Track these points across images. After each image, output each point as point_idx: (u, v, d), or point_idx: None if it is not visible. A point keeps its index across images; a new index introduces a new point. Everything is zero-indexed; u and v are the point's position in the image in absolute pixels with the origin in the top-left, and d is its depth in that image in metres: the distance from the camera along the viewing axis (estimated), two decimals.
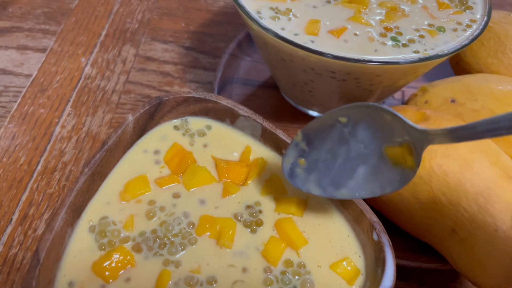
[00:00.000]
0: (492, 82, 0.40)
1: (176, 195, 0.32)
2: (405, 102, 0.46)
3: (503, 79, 0.41)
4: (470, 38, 0.35)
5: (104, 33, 0.56)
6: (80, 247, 0.30)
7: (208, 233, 0.31)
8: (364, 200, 0.31)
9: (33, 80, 0.50)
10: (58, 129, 0.46)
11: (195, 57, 0.54)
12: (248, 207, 0.33)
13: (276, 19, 0.36)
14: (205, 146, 0.35)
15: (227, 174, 0.33)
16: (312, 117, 0.47)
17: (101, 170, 0.32)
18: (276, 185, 0.33)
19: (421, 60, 0.33)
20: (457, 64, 0.46)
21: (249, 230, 0.32)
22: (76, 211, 0.31)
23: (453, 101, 0.40)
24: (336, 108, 0.29)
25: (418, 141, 0.26)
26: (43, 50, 0.53)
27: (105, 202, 0.32)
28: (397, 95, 0.50)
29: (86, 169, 0.31)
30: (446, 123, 0.35)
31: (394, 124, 0.27)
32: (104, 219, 0.31)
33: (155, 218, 0.32)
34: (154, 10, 0.60)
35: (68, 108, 0.48)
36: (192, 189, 0.33)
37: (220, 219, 0.32)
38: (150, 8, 0.60)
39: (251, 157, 0.35)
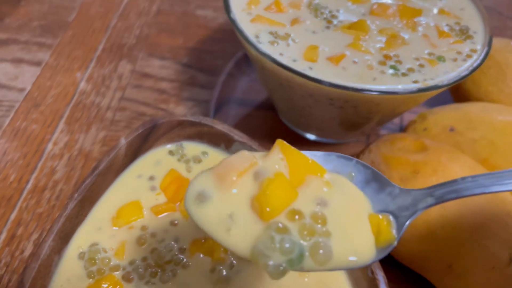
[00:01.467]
0: (492, 111, 0.40)
1: (173, 223, 0.32)
2: (403, 128, 0.45)
3: (504, 109, 0.40)
4: (470, 69, 0.35)
5: (100, 47, 0.55)
6: (68, 275, 0.29)
7: (201, 255, 0.30)
8: None
9: (27, 94, 0.49)
10: (50, 146, 0.45)
11: (192, 74, 0.54)
12: None
13: (275, 44, 0.36)
14: None
15: None
16: (309, 141, 0.46)
17: (92, 195, 0.32)
18: None
19: (420, 90, 0.33)
20: (457, 91, 0.46)
21: None
22: (64, 238, 0.30)
23: (452, 129, 0.40)
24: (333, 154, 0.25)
25: (403, 209, 0.23)
26: (38, 63, 0.53)
27: (96, 228, 0.31)
28: (396, 120, 0.49)
29: (76, 195, 0.30)
30: (446, 154, 0.35)
31: (381, 186, 0.24)
32: (94, 246, 0.30)
33: (145, 245, 0.31)
34: (152, 25, 0.59)
35: (61, 125, 0.47)
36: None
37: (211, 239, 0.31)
38: (149, 23, 0.59)
39: None
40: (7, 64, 0.52)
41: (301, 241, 0.20)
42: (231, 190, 0.21)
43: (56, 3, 0.60)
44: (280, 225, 0.20)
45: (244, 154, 0.23)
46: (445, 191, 0.23)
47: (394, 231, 0.22)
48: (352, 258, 0.21)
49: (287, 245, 0.20)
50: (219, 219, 0.21)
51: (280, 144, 0.22)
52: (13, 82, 0.50)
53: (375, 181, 0.24)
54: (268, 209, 0.20)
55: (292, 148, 0.22)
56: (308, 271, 0.21)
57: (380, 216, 0.23)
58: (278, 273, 0.20)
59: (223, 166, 0.22)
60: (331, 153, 0.25)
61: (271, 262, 0.20)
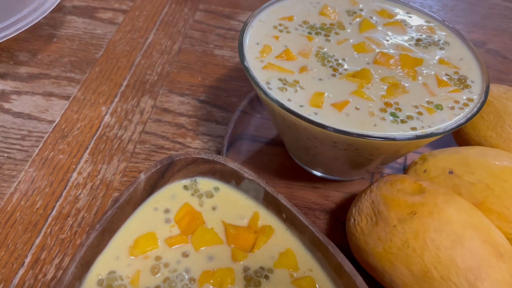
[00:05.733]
0: (489, 156, 0.42)
1: (184, 255, 0.34)
2: (406, 168, 0.48)
3: (501, 153, 0.42)
4: (466, 117, 0.37)
5: (125, 83, 0.59)
6: None
7: (210, 286, 0.33)
8: (358, 270, 0.33)
9: (55, 126, 0.53)
10: (74, 175, 0.49)
11: (209, 110, 0.57)
12: (261, 268, 0.34)
13: (284, 90, 0.39)
14: (214, 208, 0.37)
15: (235, 240, 0.35)
16: (316, 177, 0.49)
17: (111, 226, 0.35)
18: (290, 261, 0.35)
19: (417, 137, 0.35)
20: (458, 134, 0.48)
21: (245, 283, 0.33)
22: (85, 265, 0.33)
23: (451, 172, 0.42)
24: None
25: None
26: (67, 97, 0.57)
27: (114, 257, 0.34)
28: (400, 159, 0.52)
29: (98, 225, 0.33)
30: (442, 197, 0.37)
31: None
32: (112, 274, 0.33)
33: (158, 274, 0.33)
34: (173, 63, 0.63)
35: (86, 155, 0.51)
36: (201, 249, 0.35)
37: (219, 270, 0.34)
38: (170, 61, 0.63)
39: (259, 223, 0.37)
40: (39, 97, 0.57)
41: None
42: None
43: (86, 41, 0.65)
44: None
45: None
46: None
47: None
48: None
49: None
50: None
51: None
52: (43, 114, 0.55)
53: None
54: None
55: None
56: None
57: None
58: None
59: None
60: None
61: None
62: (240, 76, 0.62)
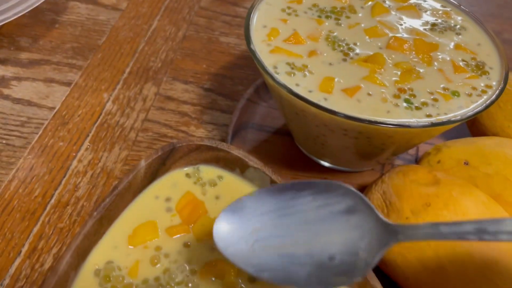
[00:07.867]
0: (506, 147, 0.40)
1: (186, 245, 0.33)
2: (418, 159, 0.46)
3: None
4: (485, 104, 0.35)
5: (128, 70, 0.58)
6: None
7: (213, 278, 0.31)
8: None
9: (55, 113, 0.52)
10: (75, 163, 0.47)
11: (213, 99, 0.55)
12: None
13: (292, 74, 0.37)
14: (217, 197, 0.36)
15: None
16: (324, 167, 0.47)
17: (110, 214, 0.33)
18: None
19: (433, 125, 0.34)
20: (473, 124, 0.46)
21: (248, 275, 0.31)
22: (81, 255, 0.31)
23: (466, 163, 0.40)
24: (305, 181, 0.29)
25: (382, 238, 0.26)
26: (68, 84, 0.55)
27: (113, 246, 0.32)
28: (411, 150, 0.50)
29: (95, 213, 0.32)
30: (458, 188, 0.35)
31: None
32: (109, 264, 0.32)
33: (158, 265, 0.32)
34: (178, 50, 0.61)
35: (86, 143, 0.49)
36: (203, 239, 0.33)
37: (222, 262, 0.32)
38: (174, 48, 0.62)
39: None
40: (40, 83, 0.55)
41: None
42: None
43: (88, 27, 0.64)
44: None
45: None
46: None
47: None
48: None
49: None
50: None
51: None
52: (43, 100, 0.53)
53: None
54: None
55: None
56: None
57: None
58: None
59: None
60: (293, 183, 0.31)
61: None
62: (246, 63, 0.60)
